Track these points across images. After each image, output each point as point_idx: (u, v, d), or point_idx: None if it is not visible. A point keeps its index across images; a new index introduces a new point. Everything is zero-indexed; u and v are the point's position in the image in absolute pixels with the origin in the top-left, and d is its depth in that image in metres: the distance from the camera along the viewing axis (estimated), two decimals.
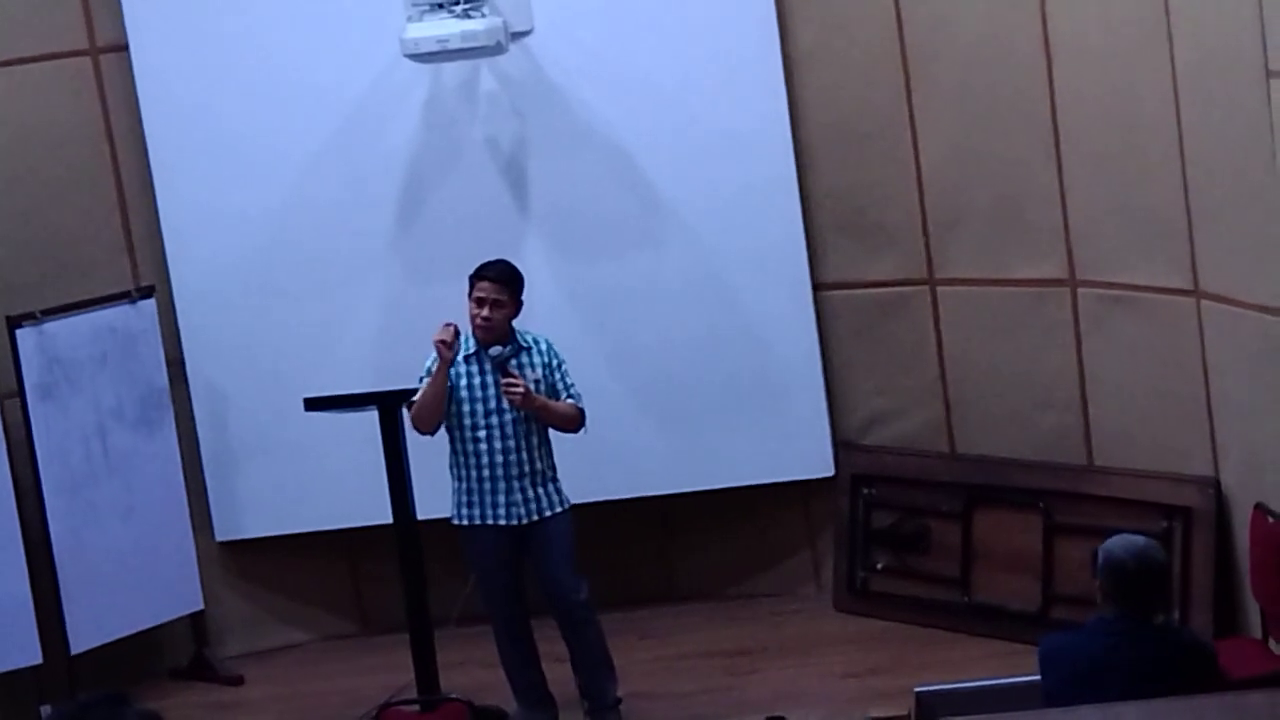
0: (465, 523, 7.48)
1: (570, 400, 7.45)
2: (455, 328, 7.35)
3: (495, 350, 7.38)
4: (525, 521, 7.43)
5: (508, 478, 7.40)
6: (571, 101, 8.41)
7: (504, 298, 7.37)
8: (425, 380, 7.38)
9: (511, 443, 7.39)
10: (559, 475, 7.50)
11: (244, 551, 8.76)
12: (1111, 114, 7.67)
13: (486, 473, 7.41)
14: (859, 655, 8.14)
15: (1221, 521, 7.64)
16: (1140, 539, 5.83)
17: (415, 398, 7.40)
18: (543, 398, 7.38)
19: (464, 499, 7.47)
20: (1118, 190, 7.74)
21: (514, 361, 7.40)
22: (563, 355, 7.51)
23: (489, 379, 7.39)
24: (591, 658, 7.58)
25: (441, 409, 7.37)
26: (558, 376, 7.46)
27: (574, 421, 7.46)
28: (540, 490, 7.44)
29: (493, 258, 7.49)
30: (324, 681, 8.47)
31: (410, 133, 8.44)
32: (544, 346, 7.48)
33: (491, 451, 7.40)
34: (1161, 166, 7.50)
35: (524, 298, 7.45)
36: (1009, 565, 8.16)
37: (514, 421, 7.38)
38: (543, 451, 7.45)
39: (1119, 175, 7.72)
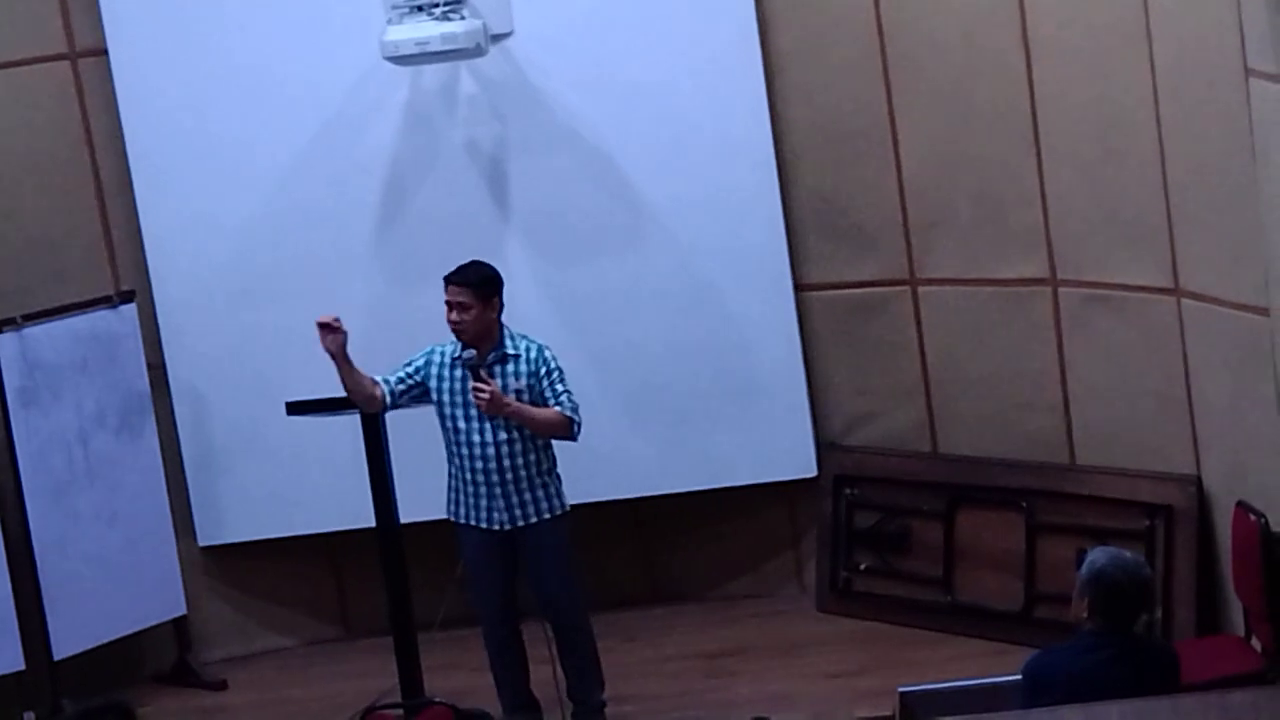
0: (454, 519, 7.49)
1: (557, 407, 7.37)
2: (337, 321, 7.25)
3: (468, 354, 7.32)
4: (509, 527, 7.42)
5: (489, 484, 7.38)
6: (552, 103, 8.40)
7: (468, 299, 7.30)
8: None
9: (491, 450, 7.35)
10: (558, 477, 7.45)
11: (227, 556, 8.74)
12: (1092, 114, 7.67)
13: (469, 477, 7.40)
14: (843, 656, 8.15)
15: (1203, 520, 7.65)
16: (1128, 555, 5.79)
17: None
18: (516, 403, 7.29)
19: (453, 496, 7.48)
20: (1098, 190, 7.75)
21: (497, 368, 7.36)
22: (557, 363, 7.40)
23: (468, 384, 7.36)
24: (580, 663, 7.59)
25: (361, 392, 7.32)
26: (545, 384, 7.35)
27: (560, 428, 7.35)
28: (528, 495, 7.40)
29: (470, 260, 7.46)
30: (307, 686, 8.46)
31: (390, 136, 8.43)
32: (533, 355, 7.37)
33: (473, 458, 7.37)
34: (1142, 166, 7.51)
35: (504, 299, 7.39)
36: (991, 565, 8.16)
37: (494, 428, 7.34)
38: (531, 457, 7.37)
39: (1099, 175, 7.73)
